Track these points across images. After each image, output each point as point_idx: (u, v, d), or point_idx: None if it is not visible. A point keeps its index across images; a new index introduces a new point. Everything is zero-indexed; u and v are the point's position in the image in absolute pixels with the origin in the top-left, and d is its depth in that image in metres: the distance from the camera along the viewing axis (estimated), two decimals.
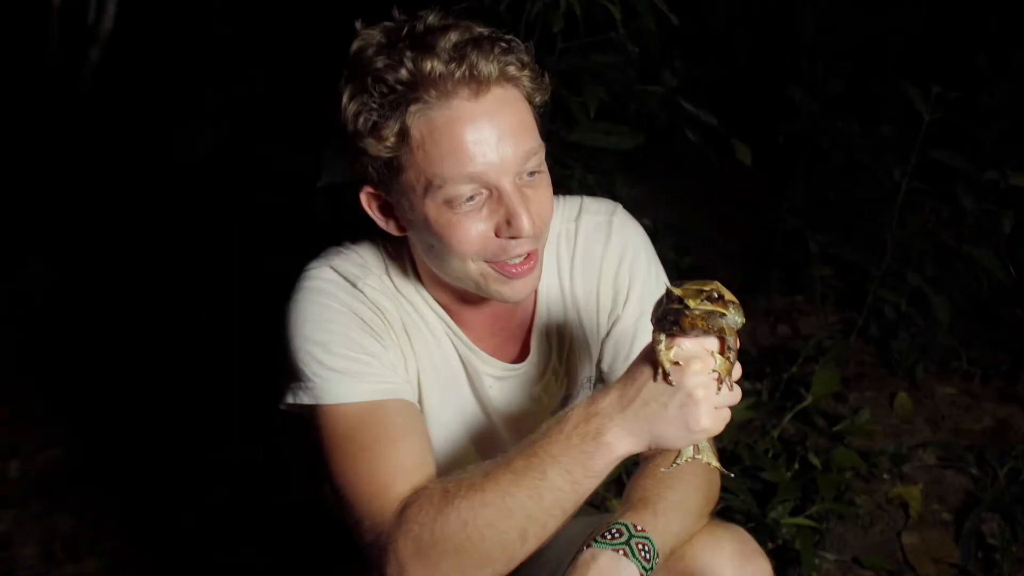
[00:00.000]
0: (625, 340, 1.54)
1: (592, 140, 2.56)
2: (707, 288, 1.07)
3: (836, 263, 3.84)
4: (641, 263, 1.54)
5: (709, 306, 1.06)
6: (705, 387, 1.13)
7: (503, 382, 1.54)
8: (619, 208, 1.57)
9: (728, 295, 1.07)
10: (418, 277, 1.48)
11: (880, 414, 3.28)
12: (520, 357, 1.56)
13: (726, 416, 1.15)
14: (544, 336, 1.54)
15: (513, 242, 1.31)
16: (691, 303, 1.05)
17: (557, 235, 1.54)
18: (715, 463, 1.30)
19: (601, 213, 1.56)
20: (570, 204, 1.57)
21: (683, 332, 1.11)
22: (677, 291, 1.07)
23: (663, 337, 1.12)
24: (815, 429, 3.16)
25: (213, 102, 4.09)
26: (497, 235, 1.30)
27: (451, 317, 1.49)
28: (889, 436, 3.19)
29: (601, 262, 1.54)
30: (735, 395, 1.15)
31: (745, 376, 3.33)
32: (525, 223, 1.27)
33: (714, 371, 1.12)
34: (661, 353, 1.12)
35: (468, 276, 1.34)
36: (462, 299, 1.47)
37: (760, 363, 3.45)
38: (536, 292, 1.53)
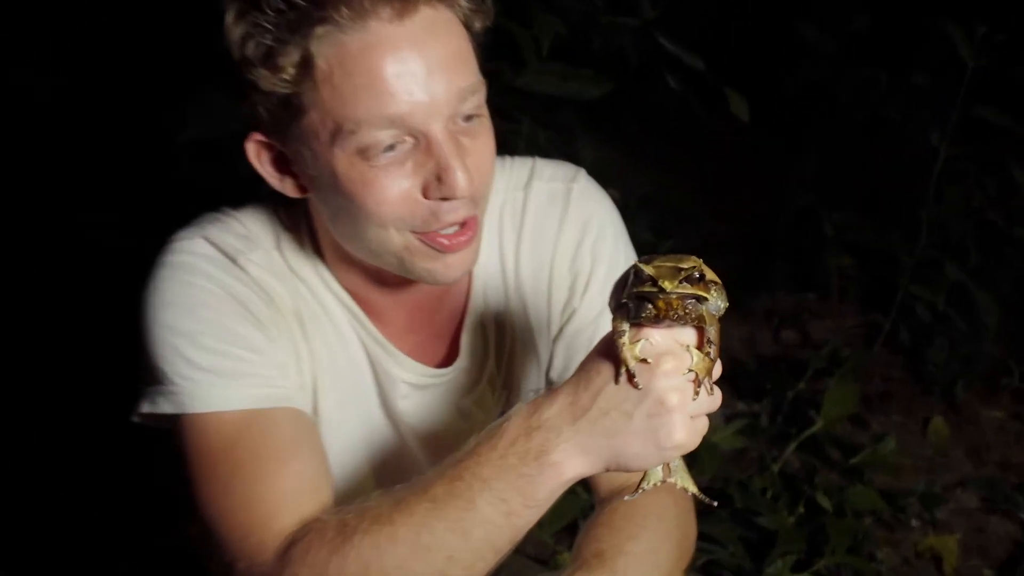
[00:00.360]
0: (582, 341, 1.59)
1: (545, 86, 2.57)
2: (685, 266, 1.08)
3: (857, 250, 3.92)
4: (607, 243, 1.58)
5: (689, 288, 1.07)
6: (680, 391, 1.14)
7: (423, 391, 1.58)
8: (581, 174, 1.62)
9: (710, 274, 1.09)
10: (319, 253, 1.50)
11: (909, 443, 3.34)
12: (447, 360, 1.61)
13: (703, 427, 1.17)
14: (479, 333, 1.58)
15: (446, 205, 1.33)
16: (666, 284, 1.06)
17: (500, 206, 1.58)
18: (692, 488, 1.31)
19: (557, 180, 1.61)
20: (518, 168, 1.61)
21: (653, 321, 1.13)
22: (648, 269, 1.07)
23: (627, 327, 1.13)
24: (826, 462, 3.22)
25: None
26: (425, 196, 1.32)
27: (360, 306, 1.52)
28: (920, 472, 3.26)
29: (556, 241, 1.57)
30: (715, 400, 1.16)
31: (738, 393, 3.48)
32: (461, 179, 1.29)
33: (690, 370, 1.13)
34: (624, 348, 1.13)
35: (388, 250, 1.36)
36: (376, 282, 1.50)
37: (758, 378, 3.52)
38: (471, 276, 1.58)
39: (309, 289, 1.50)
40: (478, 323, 1.59)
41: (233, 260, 1.44)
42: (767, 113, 3.08)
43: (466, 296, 1.60)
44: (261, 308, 1.43)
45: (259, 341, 1.40)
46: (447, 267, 1.39)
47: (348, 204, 1.33)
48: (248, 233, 1.49)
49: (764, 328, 3.97)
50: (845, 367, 3.33)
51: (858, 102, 3.69)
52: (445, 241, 1.36)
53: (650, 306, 1.10)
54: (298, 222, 1.51)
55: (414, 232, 1.35)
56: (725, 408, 3.34)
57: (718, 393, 1.17)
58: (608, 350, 1.17)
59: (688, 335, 1.16)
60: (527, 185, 1.61)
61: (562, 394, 1.20)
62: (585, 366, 1.21)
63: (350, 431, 1.55)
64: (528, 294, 1.60)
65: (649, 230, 3.45)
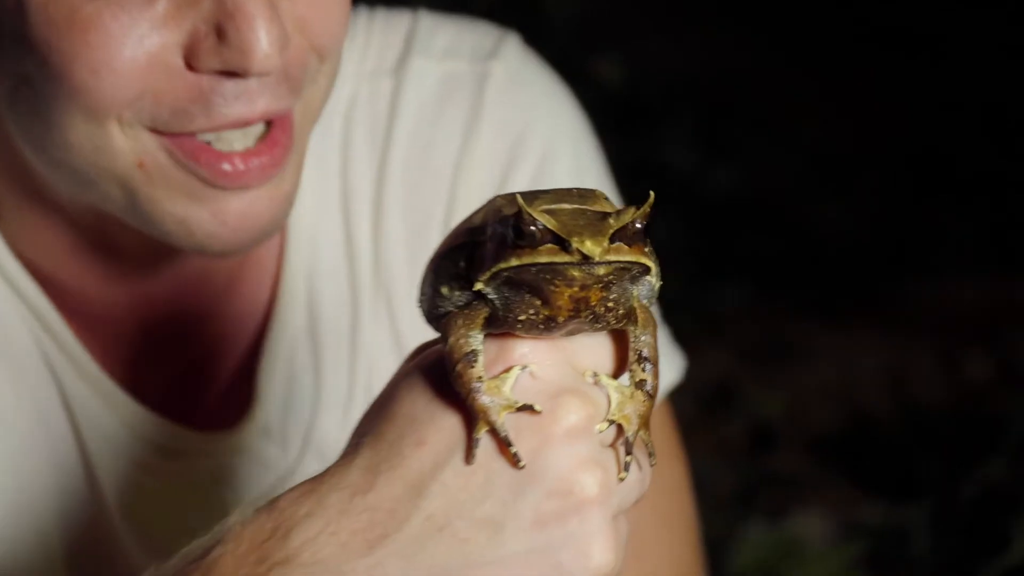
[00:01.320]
0: None
1: None
2: (608, 208, 0.84)
3: None
4: (562, 171, 1.42)
5: (627, 254, 0.81)
6: (599, 467, 0.88)
7: (174, 464, 1.39)
8: (506, 44, 1.42)
9: (634, 216, 0.83)
10: None
11: None
12: (231, 412, 1.38)
13: (627, 530, 0.93)
14: (301, 357, 1.39)
15: (229, 85, 1.11)
16: (590, 247, 0.80)
17: (348, 105, 1.39)
18: None
19: (459, 56, 1.42)
20: (383, 31, 1.42)
21: (539, 327, 0.85)
22: (541, 215, 0.82)
23: (479, 340, 0.87)
24: None
25: None
26: (190, 64, 1.09)
27: (53, 300, 1.31)
28: None
29: (455, 174, 1.40)
30: (645, 476, 0.92)
31: (862, 481, 3.17)
32: (262, 34, 1.06)
33: (610, 423, 0.87)
34: (483, 387, 0.86)
35: (105, 170, 1.14)
36: (92, 253, 1.30)
37: (906, 449, 3.20)
38: (282, 244, 1.38)
39: None
40: (298, 337, 1.38)
41: None
42: None
43: (274, 281, 1.37)
44: None
45: None
46: (224, 221, 1.15)
47: (41, 73, 1.13)
48: None
49: (920, 349, 3.63)
50: None
51: None
52: (224, 165, 1.12)
53: (537, 298, 0.84)
54: None
55: (157, 131, 1.12)
56: (833, 512, 3.02)
57: (648, 468, 0.92)
58: (439, 387, 0.90)
59: (598, 351, 0.90)
60: (400, 65, 1.40)
61: (339, 485, 0.91)
62: (385, 422, 0.91)
63: (24, 519, 1.37)
64: (398, 278, 1.37)
65: (689, 144, 3.56)
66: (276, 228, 1.23)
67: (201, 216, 1.17)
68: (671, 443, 1.42)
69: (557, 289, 0.83)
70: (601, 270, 0.82)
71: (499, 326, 0.87)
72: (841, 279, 3.95)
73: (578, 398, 0.88)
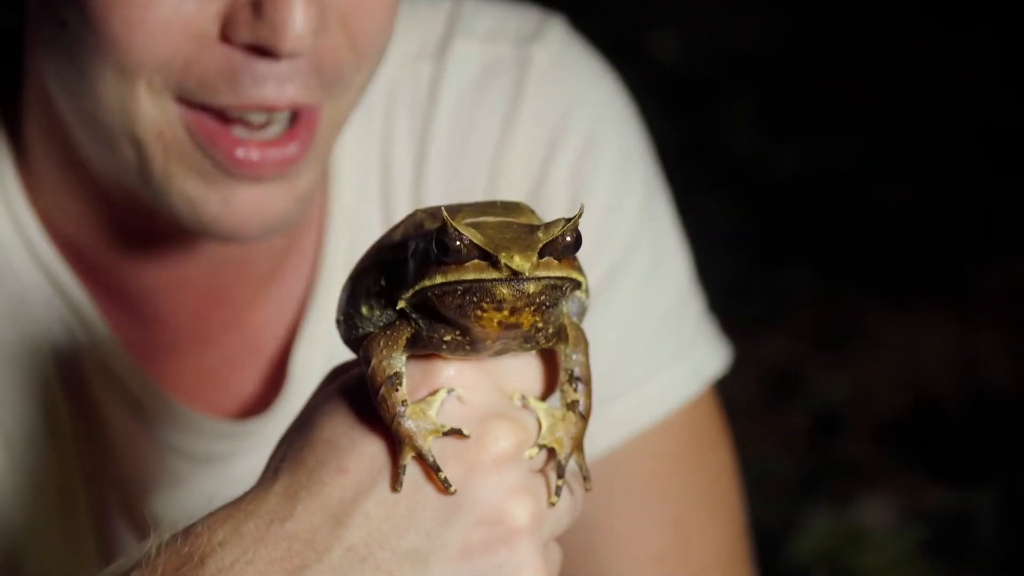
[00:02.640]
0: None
1: None
2: (535, 222, 0.84)
3: None
4: (606, 159, 1.38)
5: (557, 270, 0.80)
6: (529, 495, 0.86)
7: (209, 467, 1.35)
8: (550, 27, 1.41)
9: (561, 232, 0.81)
10: (28, 183, 1.31)
11: None
12: (262, 398, 1.36)
13: (558, 558, 0.91)
14: (338, 340, 1.12)
15: (261, 65, 1.10)
16: (520, 262, 0.78)
17: (389, 92, 1.39)
18: None
19: (503, 39, 1.41)
20: (425, 16, 1.41)
21: (464, 348, 0.84)
22: (466, 229, 0.79)
23: (402, 361, 0.85)
24: None
25: None
26: (225, 36, 1.10)
27: (87, 286, 1.30)
28: None
29: (496, 160, 1.38)
30: (578, 507, 0.92)
31: (925, 466, 3.15)
32: (297, 15, 1.07)
33: (540, 447, 0.86)
34: (407, 411, 0.84)
35: (128, 132, 1.15)
36: (126, 229, 1.29)
37: (972, 433, 3.16)
38: (321, 231, 1.38)
39: None
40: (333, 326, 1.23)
41: None
42: None
43: (312, 267, 1.37)
44: None
45: None
46: (232, 208, 1.15)
47: (78, 19, 1.13)
48: None
49: (989, 332, 3.55)
50: None
51: None
52: (239, 151, 1.12)
53: (463, 318, 0.82)
54: None
55: (184, 101, 1.13)
56: (897, 498, 2.97)
57: (580, 493, 0.91)
58: (361, 411, 0.88)
59: (526, 373, 0.89)
60: (441, 48, 1.40)
61: (257, 512, 0.88)
62: (305, 448, 0.90)
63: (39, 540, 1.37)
64: None
65: (750, 122, 3.54)
66: (287, 224, 1.22)
67: (210, 200, 1.17)
68: (717, 432, 1.41)
69: (486, 305, 0.81)
70: (531, 287, 0.79)
71: (423, 347, 0.85)
72: (908, 261, 3.91)
73: (507, 423, 0.87)
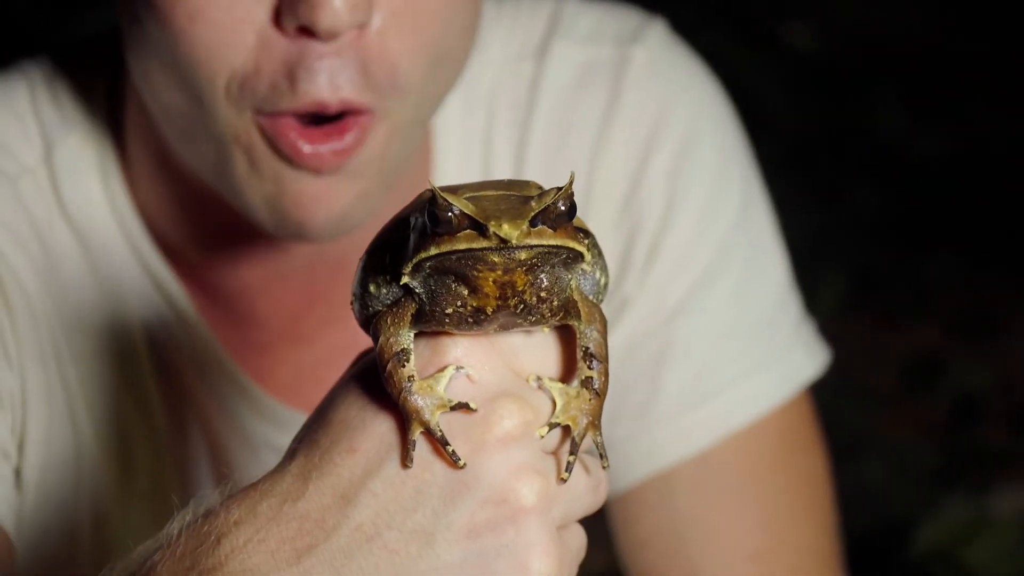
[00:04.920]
0: (642, 363, 1.33)
1: None
2: (523, 192, 0.80)
3: None
4: (702, 163, 1.35)
5: (551, 238, 0.77)
6: (537, 475, 0.82)
7: None
8: (651, 28, 1.38)
9: (555, 197, 0.79)
10: (128, 179, 1.31)
11: None
12: None
13: (579, 542, 0.87)
14: None
15: (310, 48, 1.09)
16: (508, 230, 0.76)
17: (489, 91, 1.37)
18: None
19: (602, 40, 1.38)
20: (528, 17, 1.38)
21: (467, 321, 0.81)
22: (457, 200, 0.78)
23: (410, 339, 0.83)
24: None
25: None
26: (278, 21, 1.09)
27: (185, 285, 1.30)
28: None
29: (594, 159, 1.35)
30: (600, 484, 0.87)
31: None
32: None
33: (553, 426, 0.82)
34: (413, 387, 0.82)
35: (210, 136, 1.15)
36: (219, 225, 1.27)
37: None
38: None
39: (96, 248, 1.30)
40: None
41: None
42: None
43: None
44: None
45: None
46: (300, 203, 1.14)
47: (148, 14, 1.13)
48: None
49: None
50: None
51: None
52: (304, 145, 1.11)
53: (462, 288, 0.80)
54: (96, 99, 1.31)
55: (259, 113, 1.12)
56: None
57: (602, 474, 0.87)
58: (373, 391, 0.85)
59: (541, 353, 0.85)
60: (542, 48, 1.37)
61: (272, 492, 0.85)
62: (320, 429, 0.87)
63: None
64: None
65: (895, 109, 3.50)
66: (349, 222, 1.20)
67: (282, 196, 1.17)
68: (809, 435, 1.40)
69: (480, 274, 0.80)
70: (522, 254, 0.78)
71: (428, 322, 0.83)
72: None
73: (514, 402, 0.84)
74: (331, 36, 1.08)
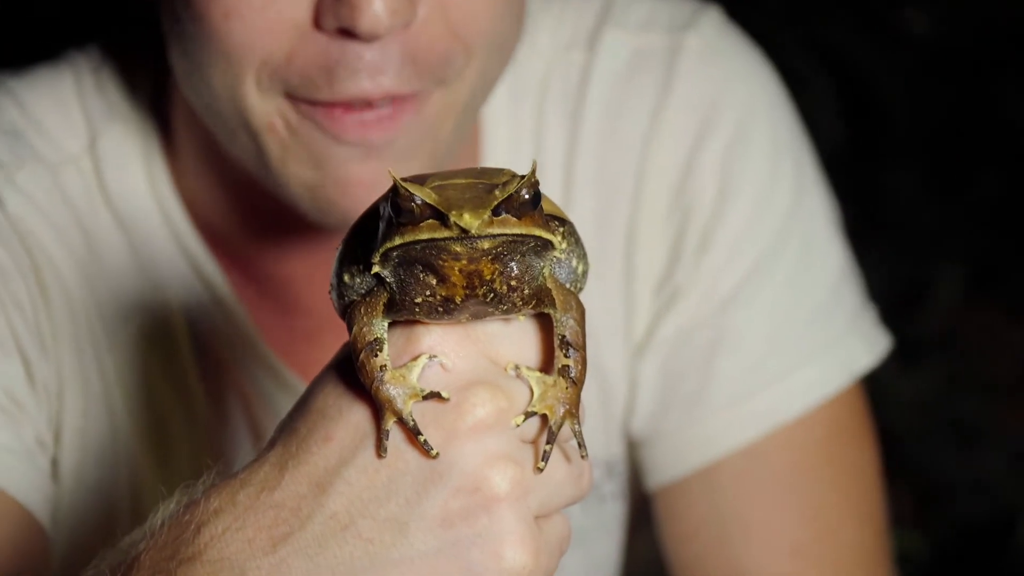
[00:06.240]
0: (693, 353, 1.32)
1: None
2: (493, 180, 0.77)
3: None
4: (755, 151, 1.33)
5: (516, 226, 0.75)
6: (512, 463, 0.80)
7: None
8: (705, 15, 1.36)
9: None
10: (174, 169, 1.30)
11: None
12: None
13: (562, 533, 0.84)
14: None
15: (350, 50, 1.09)
16: (468, 219, 0.74)
17: (541, 81, 1.35)
18: None
19: (655, 28, 1.36)
20: (580, 2, 1.37)
21: (437, 310, 0.79)
22: (418, 190, 0.76)
23: (383, 327, 0.81)
24: None
25: None
26: (318, 21, 1.09)
27: (227, 274, 1.29)
28: None
29: (646, 146, 1.34)
30: (583, 474, 0.84)
31: None
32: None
33: (529, 414, 0.80)
34: (386, 376, 0.80)
35: (242, 122, 1.15)
36: (264, 216, 1.28)
37: None
38: None
39: (138, 237, 1.29)
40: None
41: None
42: None
43: None
44: (21, 293, 1.22)
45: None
46: (346, 190, 1.14)
47: (186, 13, 1.13)
48: (24, 121, 1.28)
49: None
50: None
51: None
52: (344, 116, 1.12)
53: (430, 277, 0.78)
54: (142, 89, 1.31)
55: (289, 96, 1.13)
56: None
57: (585, 464, 0.84)
58: (349, 381, 0.84)
59: (519, 342, 0.84)
60: (593, 37, 1.36)
61: (250, 481, 0.85)
62: (298, 418, 0.86)
63: None
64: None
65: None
66: None
67: (325, 182, 1.15)
68: (860, 427, 1.36)
69: (445, 264, 0.78)
70: (485, 244, 0.76)
71: (400, 311, 0.81)
72: None
73: (488, 390, 0.82)
74: (373, 38, 1.07)
